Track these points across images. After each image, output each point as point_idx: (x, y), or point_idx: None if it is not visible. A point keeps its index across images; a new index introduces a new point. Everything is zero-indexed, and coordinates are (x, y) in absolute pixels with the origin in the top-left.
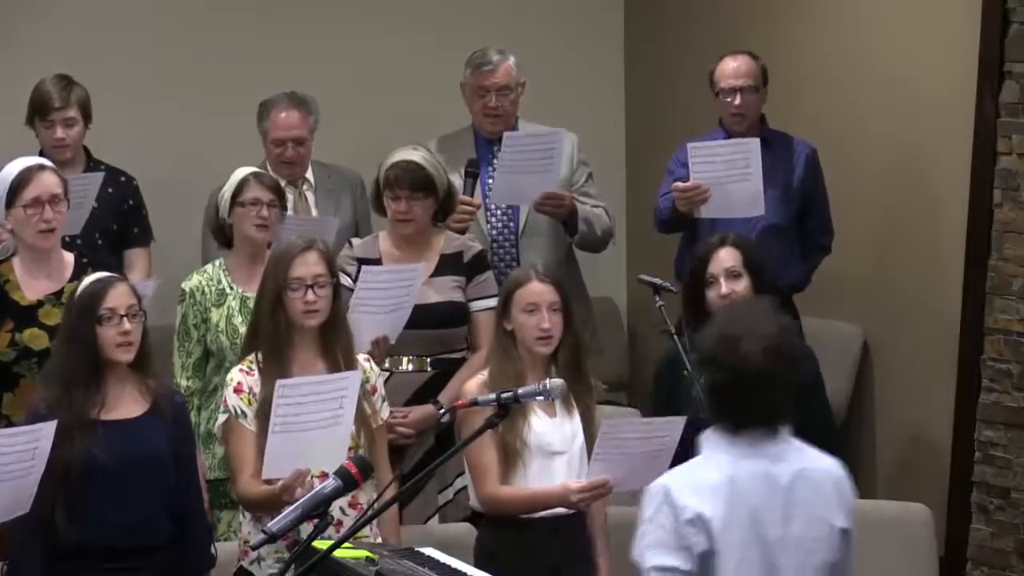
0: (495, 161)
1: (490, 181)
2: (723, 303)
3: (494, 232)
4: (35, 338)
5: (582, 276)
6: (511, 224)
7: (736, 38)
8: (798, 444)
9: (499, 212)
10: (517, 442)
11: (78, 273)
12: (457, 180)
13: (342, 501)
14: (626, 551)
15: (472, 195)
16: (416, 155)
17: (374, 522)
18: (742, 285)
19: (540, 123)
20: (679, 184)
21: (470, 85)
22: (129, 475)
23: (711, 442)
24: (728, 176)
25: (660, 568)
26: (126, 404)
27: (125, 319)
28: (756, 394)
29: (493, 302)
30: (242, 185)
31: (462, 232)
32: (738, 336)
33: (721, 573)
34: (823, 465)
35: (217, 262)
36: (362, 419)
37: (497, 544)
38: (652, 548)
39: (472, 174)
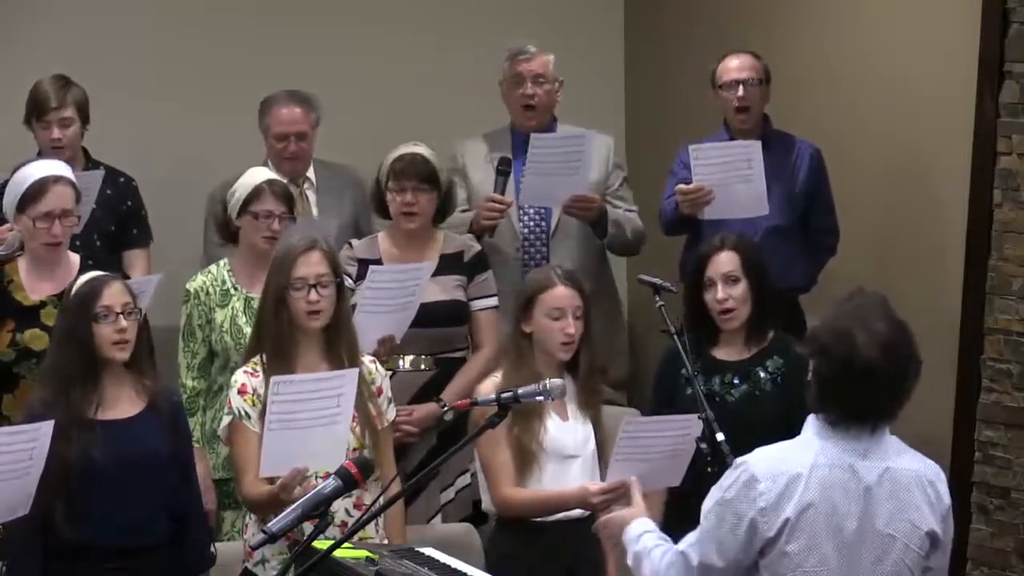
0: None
1: (523, 180)
2: (718, 307)
3: (525, 231)
4: (36, 339)
5: (614, 278)
6: (543, 224)
7: (736, 38)
8: (896, 444)
9: (531, 211)
10: (533, 444)
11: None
12: (491, 177)
13: (347, 503)
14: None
15: (503, 193)
16: (420, 149)
17: (380, 523)
18: (739, 290)
19: None
20: (682, 187)
21: (507, 78)
22: (126, 474)
23: (808, 429)
24: (730, 177)
25: (710, 533)
26: (123, 403)
27: (121, 317)
28: (862, 389)
29: (494, 301)
30: (256, 194)
31: (492, 229)
32: (852, 330)
33: (792, 559)
34: (915, 466)
35: (222, 262)
36: (367, 420)
37: (511, 546)
38: (711, 512)
39: (503, 172)
